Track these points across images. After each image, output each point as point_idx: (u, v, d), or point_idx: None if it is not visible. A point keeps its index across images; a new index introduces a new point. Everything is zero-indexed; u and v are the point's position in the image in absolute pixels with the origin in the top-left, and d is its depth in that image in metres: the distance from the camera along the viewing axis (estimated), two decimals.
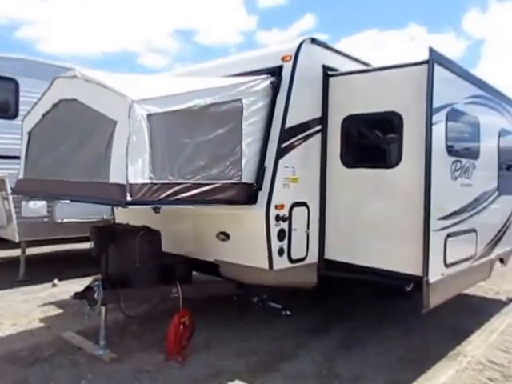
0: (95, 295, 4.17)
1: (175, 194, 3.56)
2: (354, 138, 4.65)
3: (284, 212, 4.24)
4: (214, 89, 3.96)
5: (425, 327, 5.23)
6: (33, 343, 4.57)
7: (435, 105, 4.04)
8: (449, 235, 4.36)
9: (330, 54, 4.76)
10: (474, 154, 4.98)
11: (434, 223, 4.08)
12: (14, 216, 6.59)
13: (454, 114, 4.46)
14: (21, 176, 4.59)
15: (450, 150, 4.41)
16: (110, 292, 4.23)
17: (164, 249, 4.92)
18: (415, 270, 4.04)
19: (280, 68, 4.42)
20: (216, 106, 3.92)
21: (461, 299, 6.78)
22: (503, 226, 5.88)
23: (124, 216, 5.55)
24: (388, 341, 4.82)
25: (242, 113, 4.13)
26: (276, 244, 4.18)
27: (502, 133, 5.76)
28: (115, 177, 3.35)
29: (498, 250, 5.75)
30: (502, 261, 6.17)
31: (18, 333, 4.90)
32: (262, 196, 4.14)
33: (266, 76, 4.38)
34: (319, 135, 4.65)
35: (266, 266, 4.17)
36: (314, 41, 4.55)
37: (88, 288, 4.30)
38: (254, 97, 4.25)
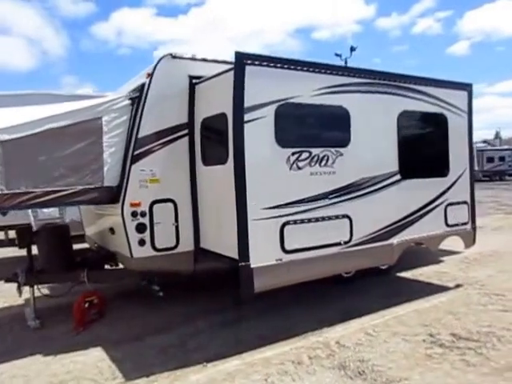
0: (19, 279, 5.45)
1: (29, 200, 4.59)
2: (206, 139, 5.13)
3: (142, 209, 4.97)
4: (70, 112, 4.88)
5: (320, 310, 5.46)
6: (1, 315, 6.06)
7: (251, 103, 4.39)
8: (287, 223, 4.63)
9: (196, 65, 5.27)
10: (338, 142, 5.04)
11: (256, 212, 4.43)
12: (32, 219, 8.38)
13: (289, 108, 4.66)
14: None
15: (284, 143, 4.64)
16: (31, 276, 5.46)
17: (98, 242, 6.05)
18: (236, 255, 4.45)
19: (143, 85, 5.14)
20: (73, 126, 4.84)
21: (399, 282, 6.64)
22: (417, 211, 5.68)
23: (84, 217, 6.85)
24: (267, 321, 5.18)
25: (102, 128, 4.98)
26: (135, 236, 4.93)
27: (404, 115, 5.56)
28: None
29: (408, 235, 5.60)
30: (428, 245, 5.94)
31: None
32: (121, 197, 4.95)
33: (127, 94, 5.16)
34: (187, 138, 5.24)
35: (128, 254, 4.97)
36: (174, 56, 5.16)
37: (15, 274, 5.59)
38: (116, 113, 5.06)
